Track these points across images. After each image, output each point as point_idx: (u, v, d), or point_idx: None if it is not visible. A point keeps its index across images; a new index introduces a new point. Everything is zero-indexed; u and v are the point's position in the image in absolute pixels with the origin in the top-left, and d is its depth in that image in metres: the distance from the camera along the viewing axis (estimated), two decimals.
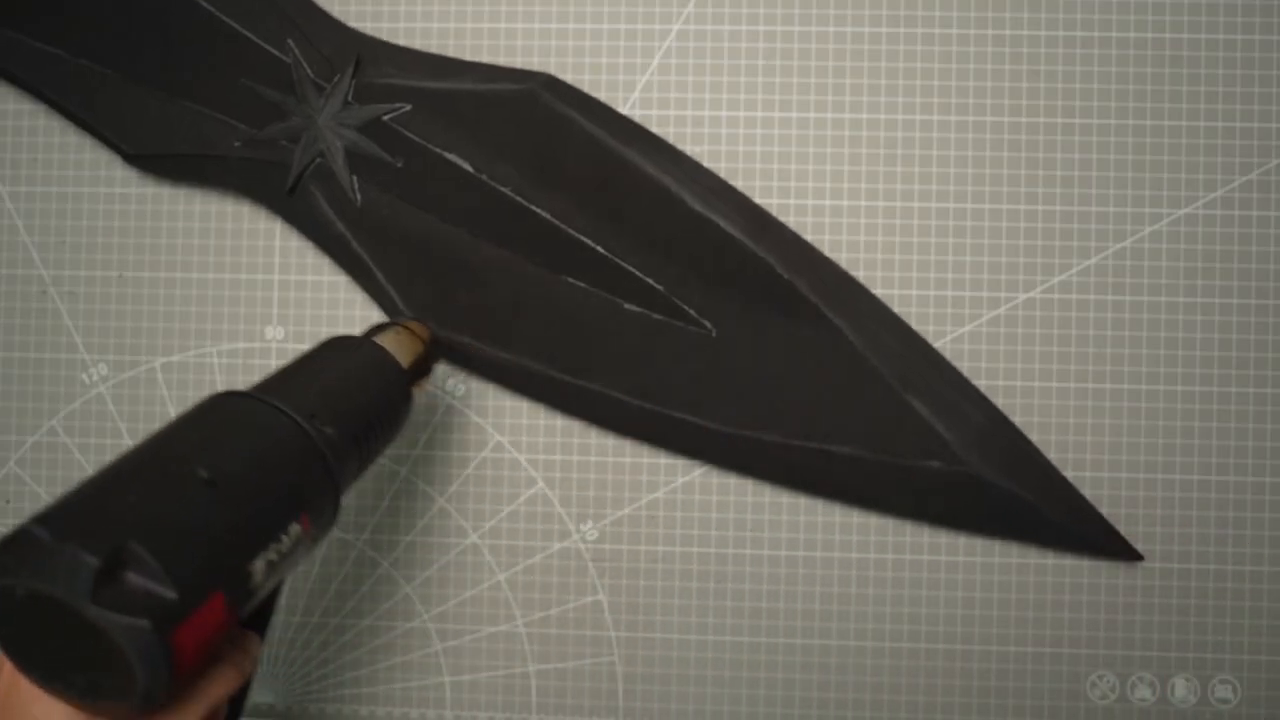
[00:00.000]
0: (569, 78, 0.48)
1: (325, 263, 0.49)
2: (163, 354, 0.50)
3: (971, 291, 0.47)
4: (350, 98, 0.47)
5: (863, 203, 0.48)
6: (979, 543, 0.47)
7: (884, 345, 0.46)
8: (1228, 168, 0.47)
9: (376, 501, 0.50)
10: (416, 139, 0.47)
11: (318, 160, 0.47)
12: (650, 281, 0.46)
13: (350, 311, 0.49)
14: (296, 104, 0.47)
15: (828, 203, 0.48)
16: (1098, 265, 0.47)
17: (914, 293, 0.47)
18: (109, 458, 0.50)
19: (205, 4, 0.48)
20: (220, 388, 0.50)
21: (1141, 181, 0.47)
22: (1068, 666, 0.47)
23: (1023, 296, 0.47)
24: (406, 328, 0.43)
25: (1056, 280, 0.47)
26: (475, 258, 0.47)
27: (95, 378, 0.51)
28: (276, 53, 0.47)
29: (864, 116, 0.48)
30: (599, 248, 0.46)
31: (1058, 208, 0.47)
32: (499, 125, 0.47)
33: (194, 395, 0.50)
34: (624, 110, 0.48)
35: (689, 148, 0.48)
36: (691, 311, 0.46)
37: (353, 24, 0.49)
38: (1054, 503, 0.45)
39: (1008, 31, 0.47)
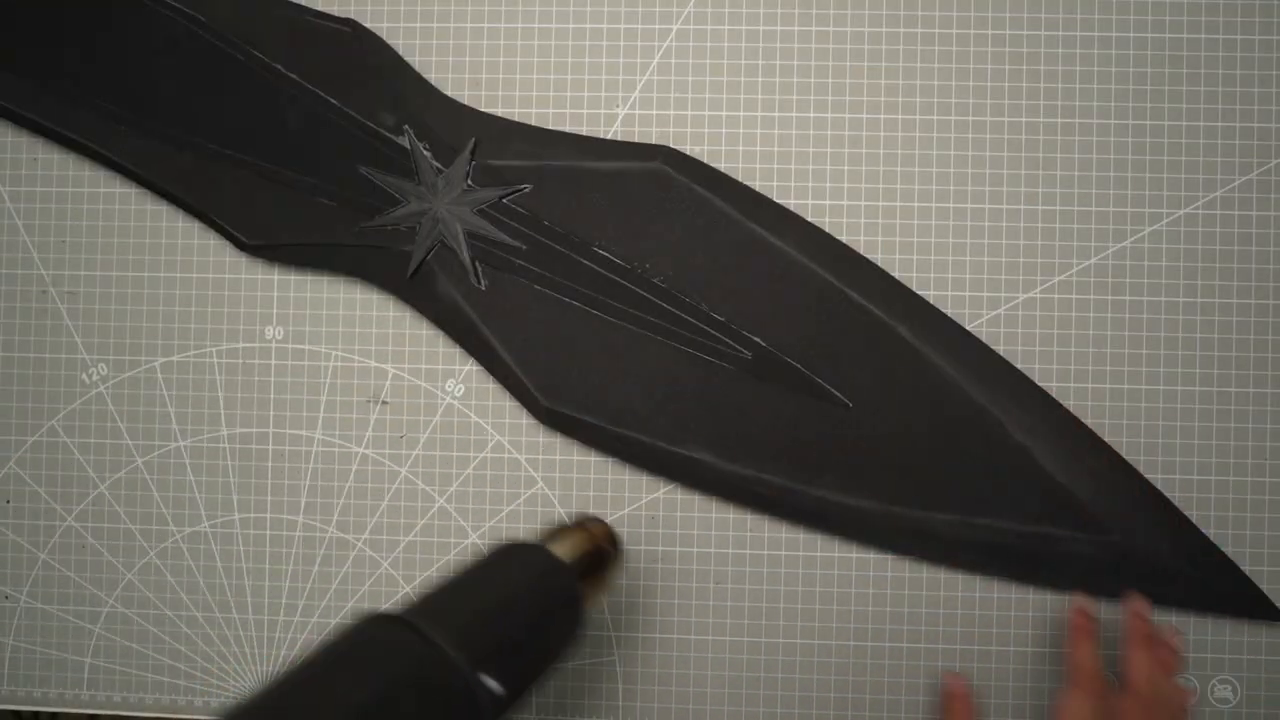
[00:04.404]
0: (569, 78, 0.48)
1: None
2: (163, 354, 0.50)
3: (971, 291, 0.47)
4: (470, 180, 0.47)
5: (862, 203, 0.48)
6: None
7: (1036, 427, 0.46)
8: (1228, 168, 0.47)
9: (376, 502, 0.50)
10: (539, 219, 0.47)
11: (438, 245, 0.47)
12: (782, 355, 0.46)
13: (350, 311, 0.49)
14: (415, 188, 0.47)
15: (827, 203, 0.48)
16: (1098, 265, 0.47)
17: (914, 293, 0.47)
18: (109, 457, 0.50)
19: (323, 93, 0.48)
20: (221, 388, 0.50)
21: (1141, 181, 0.47)
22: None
23: (1023, 296, 0.47)
24: (586, 530, 0.40)
25: (1056, 280, 0.47)
26: (602, 337, 0.47)
27: (95, 378, 0.51)
28: (394, 138, 0.47)
29: (864, 116, 0.48)
30: (732, 324, 0.46)
31: (1058, 208, 0.47)
32: (624, 202, 0.47)
33: (194, 395, 0.50)
34: (623, 110, 0.48)
35: (689, 148, 0.48)
36: (825, 385, 0.46)
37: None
38: (1195, 563, 0.46)
39: (1008, 31, 0.47)
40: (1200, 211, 0.47)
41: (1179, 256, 0.47)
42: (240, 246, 0.49)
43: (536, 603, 0.35)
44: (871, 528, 0.46)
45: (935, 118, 0.48)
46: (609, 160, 0.47)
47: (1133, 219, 0.47)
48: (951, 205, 0.47)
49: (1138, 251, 0.47)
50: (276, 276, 0.50)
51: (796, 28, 0.48)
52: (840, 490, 0.46)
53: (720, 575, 0.48)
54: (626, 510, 0.48)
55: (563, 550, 0.37)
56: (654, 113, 0.48)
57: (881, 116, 0.48)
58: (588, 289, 0.47)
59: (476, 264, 0.47)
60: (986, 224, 0.47)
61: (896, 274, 0.47)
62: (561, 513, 0.49)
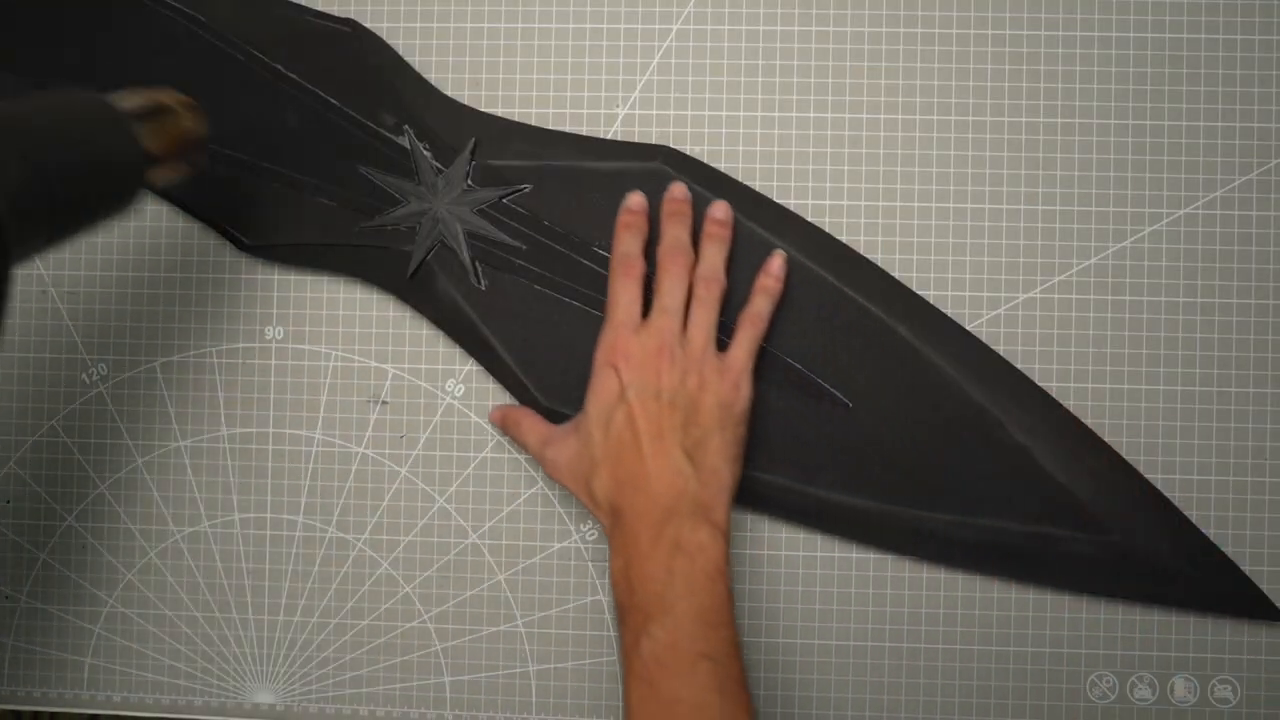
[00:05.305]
0: (569, 78, 0.48)
1: None
2: (162, 354, 0.50)
3: (971, 291, 0.47)
4: (470, 180, 0.47)
5: (862, 203, 0.48)
6: None
7: (1036, 427, 0.45)
8: (1228, 168, 0.47)
9: (376, 501, 0.50)
10: (539, 219, 0.47)
11: (438, 245, 0.47)
12: (782, 355, 0.46)
13: (350, 311, 0.49)
14: (415, 188, 0.47)
15: (827, 203, 0.48)
16: (1098, 265, 0.47)
17: (914, 293, 0.47)
18: (109, 457, 0.51)
19: (323, 93, 0.48)
20: (220, 388, 0.50)
21: (1141, 181, 0.47)
22: (1068, 666, 0.47)
23: (1023, 296, 0.47)
24: (172, 110, 0.39)
25: (1056, 280, 0.47)
26: None
27: (95, 378, 0.51)
28: (394, 138, 0.47)
29: (864, 116, 0.48)
30: (732, 324, 0.46)
31: (1058, 208, 0.47)
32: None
33: (194, 395, 0.50)
34: (623, 110, 0.48)
35: (689, 148, 0.48)
36: (825, 385, 0.46)
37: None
38: (1195, 564, 0.45)
39: (1008, 31, 0.47)
40: (1200, 211, 0.47)
41: (1179, 256, 0.47)
42: (240, 246, 0.49)
43: (85, 144, 0.34)
44: (871, 527, 0.46)
45: (935, 118, 0.48)
46: (609, 160, 0.47)
47: (1133, 219, 0.47)
48: (951, 205, 0.47)
49: (1138, 251, 0.47)
50: (276, 276, 0.50)
51: (796, 28, 0.48)
52: (840, 490, 0.46)
53: None
54: None
55: (135, 108, 0.37)
56: (654, 113, 0.48)
57: (881, 116, 0.48)
58: (588, 289, 0.47)
59: (476, 264, 0.47)
60: (986, 224, 0.47)
61: (896, 274, 0.47)
62: (562, 512, 0.49)
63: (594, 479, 0.42)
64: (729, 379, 0.43)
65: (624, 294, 0.43)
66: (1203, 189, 0.47)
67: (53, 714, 0.51)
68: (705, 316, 0.43)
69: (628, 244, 0.44)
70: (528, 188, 0.47)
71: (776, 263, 0.45)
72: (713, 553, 0.40)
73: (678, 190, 0.45)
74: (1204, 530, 0.46)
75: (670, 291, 0.43)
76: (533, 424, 0.46)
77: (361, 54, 0.48)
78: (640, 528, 0.40)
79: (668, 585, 0.39)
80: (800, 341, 0.46)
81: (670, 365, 0.42)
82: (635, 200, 0.45)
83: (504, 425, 0.47)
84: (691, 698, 0.37)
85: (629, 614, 0.40)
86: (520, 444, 0.47)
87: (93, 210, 0.34)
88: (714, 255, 0.45)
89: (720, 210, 0.45)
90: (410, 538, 0.49)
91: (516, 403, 0.48)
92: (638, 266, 0.44)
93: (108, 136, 0.36)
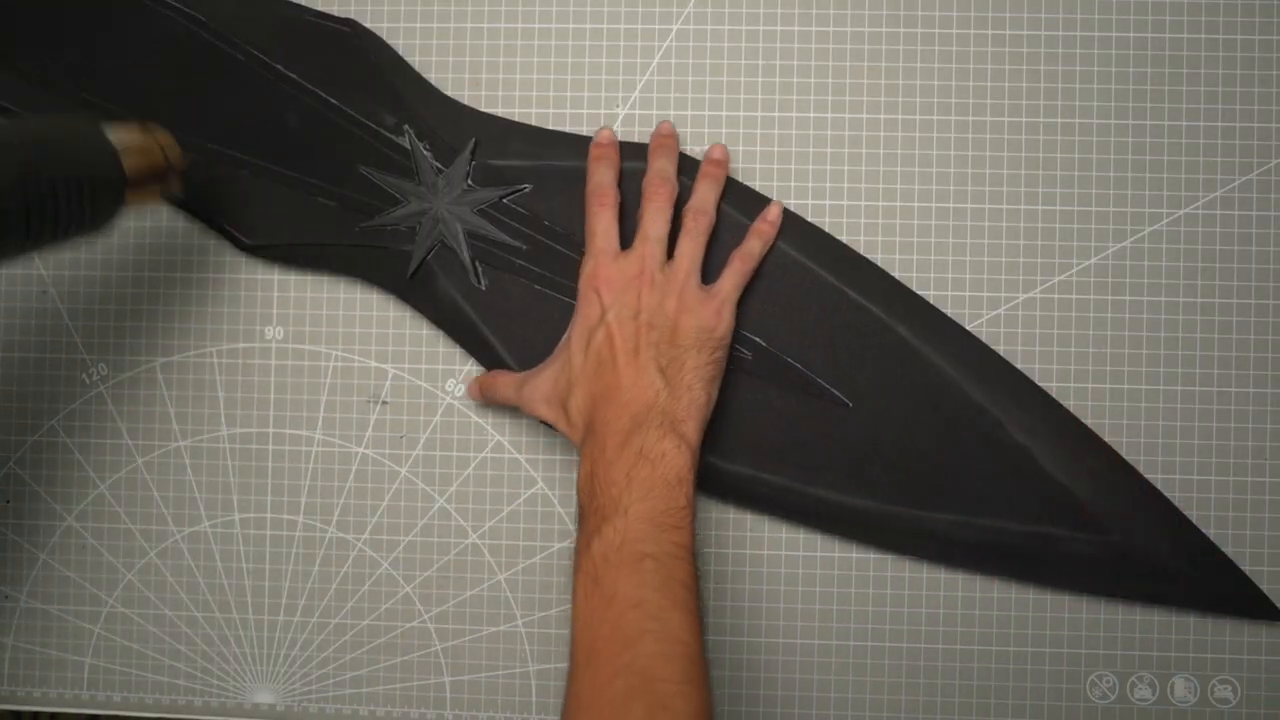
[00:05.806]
0: (569, 78, 0.48)
1: None
2: (162, 354, 0.50)
3: (971, 291, 0.47)
4: (470, 180, 0.47)
5: (862, 203, 0.48)
6: None
7: (1036, 427, 0.45)
8: (1228, 168, 0.47)
9: (376, 502, 0.50)
10: (539, 219, 0.47)
11: (439, 245, 0.47)
12: (782, 355, 0.46)
13: (350, 311, 0.49)
14: (415, 188, 0.47)
15: (827, 203, 0.48)
16: (1098, 265, 0.47)
17: (914, 293, 0.47)
18: (109, 457, 0.51)
19: (323, 93, 0.47)
20: (220, 388, 0.50)
21: (1141, 181, 0.47)
22: (1068, 666, 0.47)
23: (1023, 296, 0.47)
24: (154, 137, 0.42)
25: (1056, 280, 0.47)
26: None
27: (95, 378, 0.51)
28: (394, 138, 0.47)
29: (864, 116, 0.48)
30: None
31: (1058, 208, 0.47)
32: (622, 201, 0.46)
33: (194, 395, 0.50)
34: (623, 110, 0.48)
35: (689, 148, 0.48)
36: (825, 384, 0.46)
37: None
38: (1194, 562, 0.45)
39: (1008, 31, 0.47)
40: (1200, 211, 0.47)
41: (1179, 256, 0.47)
42: (240, 246, 0.49)
43: (67, 157, 0.38)
44: (871, 527, 0.46)
45: (935, 118, 0.48)
46: None
47: (1133, 219, 0.47)
48: (951, 205, 0.47)
49: (1138, 251, 0.47)
50: (276, 276, 0.50)
51: (796, 28, 0.48)
52: (840, 490, 0.46)
53: (720, 575, 0.48)
54: None
55: (122, 142, 0.41)
56: (654, 113, 0.48)
57: (881, 116, 0.48)
58: None
59: (476, 264, 0.47)
60: (986, 224, 0.47)
61: (896, 274, 0.47)
62: (562, 512, 0.49)
63: (570, 398, 0.43)
64: (711, 305, 0.43)
65: (600, 222, 0.44)
66: (1203, 189, 0.47)
67: (53, 714, 0.51)
68: (692, 246, 0.44)
69: (600, 175, 0.45)
70: (528, 188, 0.47)
71: (774, 210, 0.46)
72: (675, 461, 0.40)
73: (665, 126, 0.46)
74: (1204, 530, 0.46)
75: (653, 220, 0.44)
76: (507, 377, 0.46)
77: (361, 54, 0.48)
78: (608, 435, 0.41)
79: (625, 489, 0.39)
80: (800, 341, 0.46)
81: (650, 288, 0.43)
82: (604, 134, 0.46)
83: (482, 393, 0.47)
84: (630, 593, 0.38)
85: (587, 517, 0.40)
86: (500, 401, 0.47)
87: (67, 223, 0.38)
88: (706, 191, 0.45)
89: (718, 151, 0.46)
90: (410, 538, 0.49)
91: None
92: (611, 195, 0.45)
93: (91, 159, 0.39)
